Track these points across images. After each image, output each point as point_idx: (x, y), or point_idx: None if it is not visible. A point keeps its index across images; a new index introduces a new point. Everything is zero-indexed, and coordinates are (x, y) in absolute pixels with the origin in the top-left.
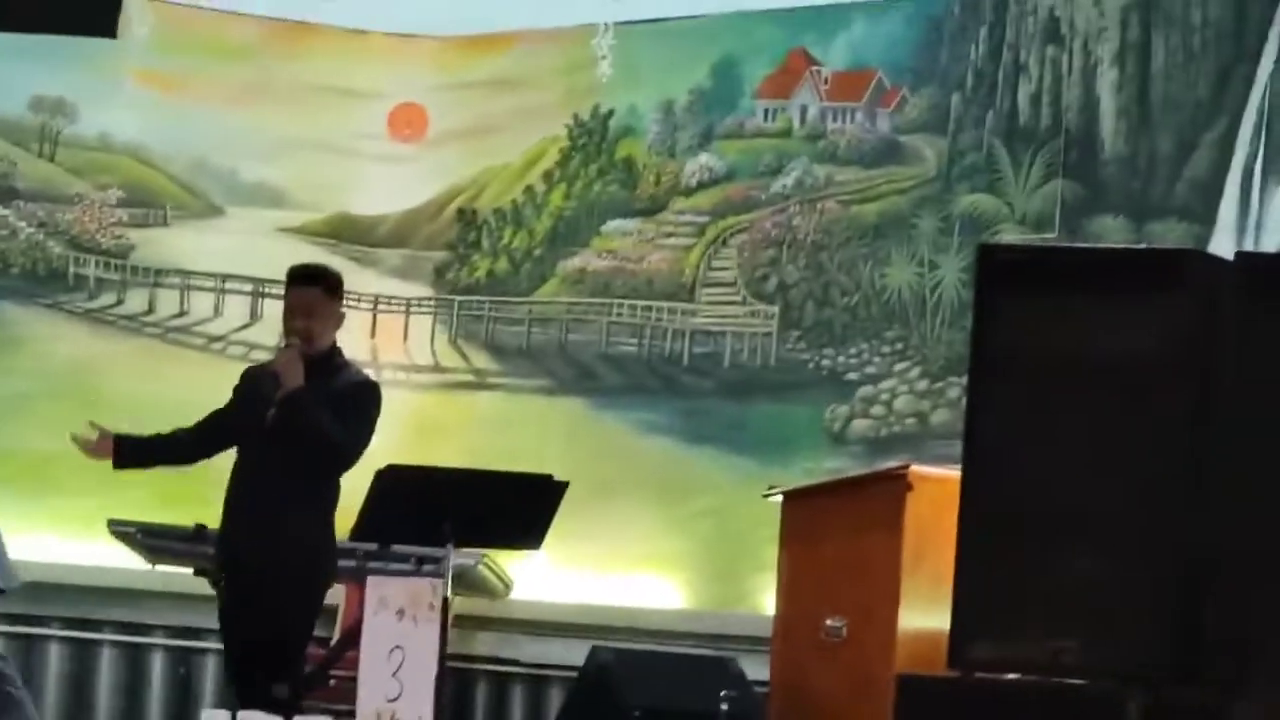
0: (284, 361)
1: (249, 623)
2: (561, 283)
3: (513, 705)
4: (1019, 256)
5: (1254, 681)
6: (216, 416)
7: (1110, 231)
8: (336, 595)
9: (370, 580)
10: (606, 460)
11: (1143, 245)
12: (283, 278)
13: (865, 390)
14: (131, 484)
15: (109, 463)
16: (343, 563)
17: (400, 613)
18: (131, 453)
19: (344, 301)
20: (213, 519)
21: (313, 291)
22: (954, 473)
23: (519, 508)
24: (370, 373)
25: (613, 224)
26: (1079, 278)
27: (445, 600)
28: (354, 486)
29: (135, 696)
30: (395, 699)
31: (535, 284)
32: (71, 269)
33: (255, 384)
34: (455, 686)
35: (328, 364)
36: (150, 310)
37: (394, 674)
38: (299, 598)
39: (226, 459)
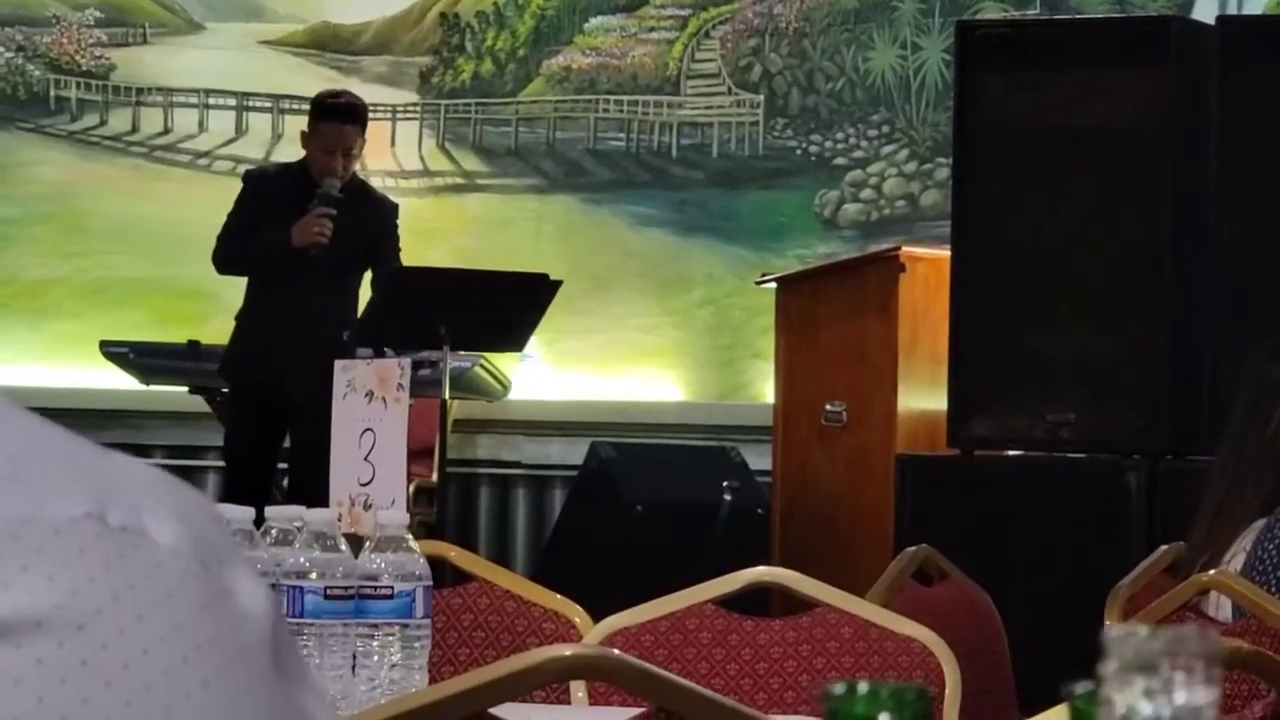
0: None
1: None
2: (546, 82)
3: (516, 506)
4: (997, 31)
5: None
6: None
7: (1092, 3)
8: None
9: (337, 364)
10: (601, 255)
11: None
12: (265, 90)
13: (854, 174)
14: (126, 304)
15: (101, 288)
16: None
17: (369, 395)
18: None
19: None
20: (206, 336)
21: (354, 130)
22: (946, 253)
23: (512, 308)
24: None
25: (595, 21)
26: (1059, 50)
27: (444, 403)
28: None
29: None
30: (367, 483)
31: (520, 84)
32: (52, 91)
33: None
34: (458, 490)
35: (358, 190)
36: (134, 129)
37: (365, 457)
38: None
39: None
